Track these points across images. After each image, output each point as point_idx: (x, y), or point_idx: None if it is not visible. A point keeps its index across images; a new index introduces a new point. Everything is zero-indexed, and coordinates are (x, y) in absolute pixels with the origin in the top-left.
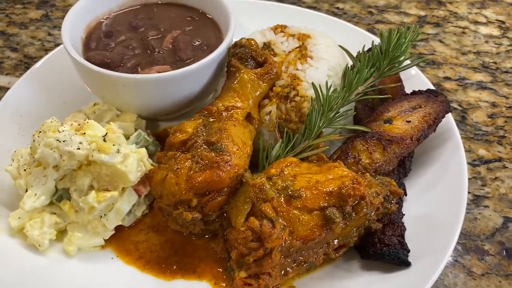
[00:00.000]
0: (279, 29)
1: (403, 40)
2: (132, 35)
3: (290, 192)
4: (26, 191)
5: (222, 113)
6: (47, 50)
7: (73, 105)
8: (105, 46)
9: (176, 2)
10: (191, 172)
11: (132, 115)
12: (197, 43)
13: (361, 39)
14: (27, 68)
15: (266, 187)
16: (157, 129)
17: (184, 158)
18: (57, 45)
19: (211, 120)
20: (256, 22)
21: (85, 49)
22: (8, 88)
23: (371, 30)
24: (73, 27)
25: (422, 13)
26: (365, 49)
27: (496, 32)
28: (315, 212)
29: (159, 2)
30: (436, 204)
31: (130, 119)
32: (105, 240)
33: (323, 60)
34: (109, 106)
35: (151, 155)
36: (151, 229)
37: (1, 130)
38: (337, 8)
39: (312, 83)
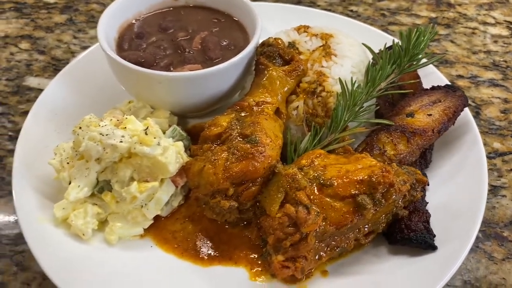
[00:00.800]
0: (302, 29)
1: (422, 38)
2: (163, 36)
3: (321, 181)
4: (70, 183)
5: (253, 108)
6: (73, 53)
7: (104, 104)
8: (137, 47)
9: (202, 5)
10: (228, 162)
11: (165, 112)
12: (224, 43)
13: (377, 39)
14: (55, 69)
15: (298, 177)
16: (186, 125)
17: (220, 150)
18: (83, 47)
19: (243, 114)
20: (276, 24)
21: (118, 49)
22: (38, 89)
23: (385, 31)
24: (107, 29)
25: (433, 15)
26: (386, 47)
27: (504, 32)
28: (347, 199)
29: (186, 5)
30: (457, 193)
31: (164, 116)
32: (144, 230)
33: (347, 57)
34: (143, 103)
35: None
36: (187, 218)
37: (39, 128)
38: (351, 10)
39: (339, 79)
